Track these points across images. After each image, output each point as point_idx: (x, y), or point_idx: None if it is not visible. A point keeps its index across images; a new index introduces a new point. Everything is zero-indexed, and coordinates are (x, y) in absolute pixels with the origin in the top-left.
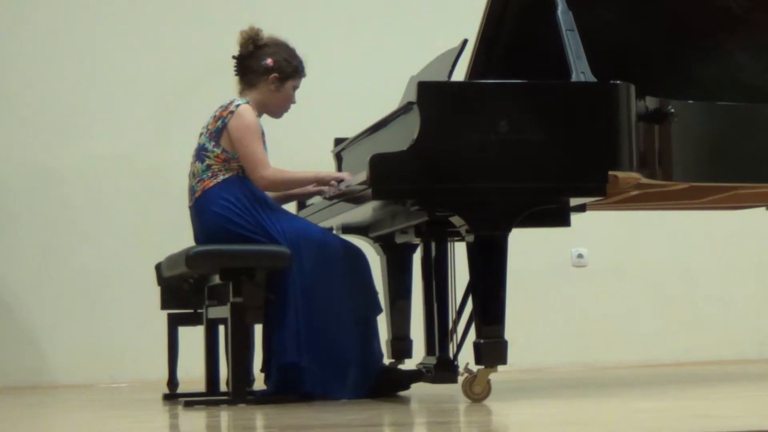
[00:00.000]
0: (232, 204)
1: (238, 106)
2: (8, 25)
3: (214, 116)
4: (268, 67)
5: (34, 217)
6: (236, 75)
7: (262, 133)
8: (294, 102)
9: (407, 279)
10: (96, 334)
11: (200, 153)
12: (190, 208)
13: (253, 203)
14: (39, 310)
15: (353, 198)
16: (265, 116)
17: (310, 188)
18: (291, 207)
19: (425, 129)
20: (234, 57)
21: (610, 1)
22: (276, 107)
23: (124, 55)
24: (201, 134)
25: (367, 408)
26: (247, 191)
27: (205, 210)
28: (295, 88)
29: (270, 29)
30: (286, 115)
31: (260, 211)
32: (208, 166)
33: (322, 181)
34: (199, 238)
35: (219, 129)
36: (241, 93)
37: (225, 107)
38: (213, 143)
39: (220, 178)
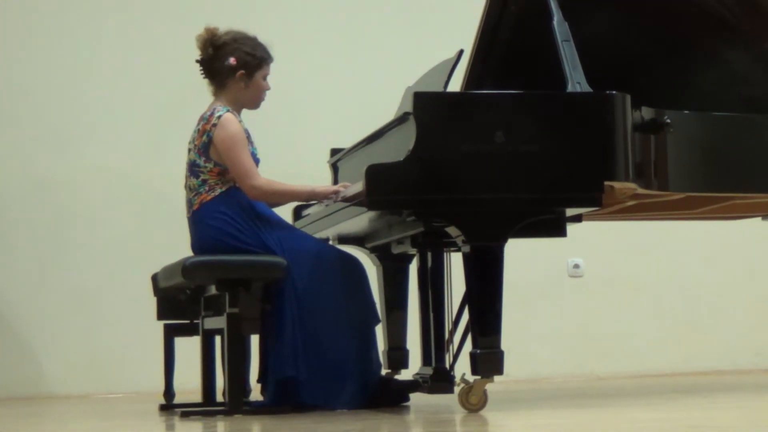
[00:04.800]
0: (229, 218)
1: (220, 117)
2: (4, 37)
3: (198, 130)
4: (232, 66)
5: (30, 228)
6: (204, 78)
7: (248, 136)
8: (268, 89)
9: (403, 289)
10: (92, 344)
11: (193, 169)
12: (189, 218)
13: (250, 216)
14: (35, 321)
15: (351, 207)
16: (246, 112)
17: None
18: (287, 217)
19: (421, 139)
20: (197, 61)
21: (605, 12)
22: (250, 101)
23: (120, 66)
24: (189, 150)
25: (364, 418)
26: (245, 204)
27: (202, 223)
28: (265, 76)
29: (265, 41)
30: (282, 126)
31: (257, 223)
32: (204, 181)
33: (317, 198)
34: (195, 249)
35: (206, 144)
36: (215, 94)
37: (207, 119)
38: (203, 158)
39: (218, 191)
